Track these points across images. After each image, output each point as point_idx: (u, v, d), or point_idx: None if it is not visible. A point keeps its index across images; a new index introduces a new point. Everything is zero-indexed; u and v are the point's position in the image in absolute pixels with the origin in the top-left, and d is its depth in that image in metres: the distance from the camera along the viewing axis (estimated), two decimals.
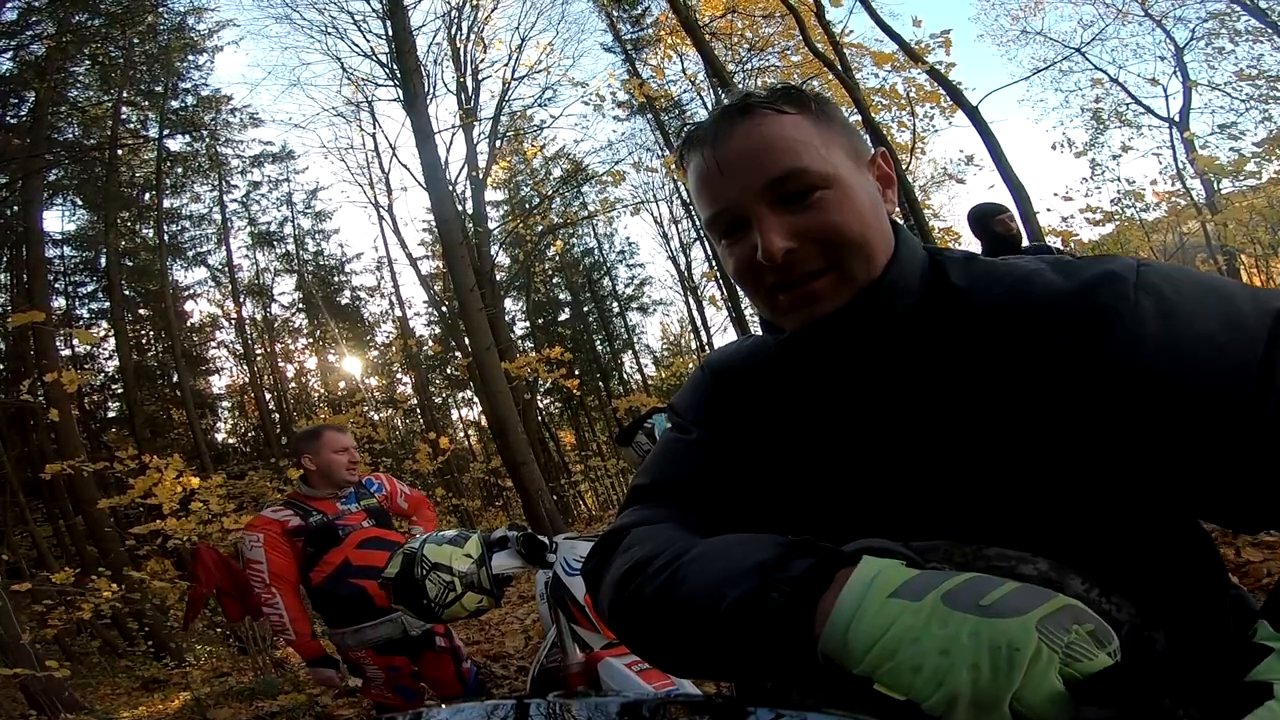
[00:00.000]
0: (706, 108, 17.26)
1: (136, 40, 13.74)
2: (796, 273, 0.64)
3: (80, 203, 15.23)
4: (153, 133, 15.02)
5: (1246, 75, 13.09)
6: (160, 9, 14.11)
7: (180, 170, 16.69)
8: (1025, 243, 4.73)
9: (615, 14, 17.73)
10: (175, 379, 16.04)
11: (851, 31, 11.12)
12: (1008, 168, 7.30)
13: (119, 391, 15.45)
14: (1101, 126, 14.92)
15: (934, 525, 0.60)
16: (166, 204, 16.24)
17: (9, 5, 11.17)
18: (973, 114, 7.43)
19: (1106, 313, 0.57)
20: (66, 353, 14.18)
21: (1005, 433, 0.60)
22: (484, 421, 15.90)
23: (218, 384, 18.46)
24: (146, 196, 15.56)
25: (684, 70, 15.89)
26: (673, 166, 11.32)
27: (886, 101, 9.55)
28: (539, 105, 15.87)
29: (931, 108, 9.67)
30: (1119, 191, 11.79)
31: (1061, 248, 6.77)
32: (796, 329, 0.67)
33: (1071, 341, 0.58)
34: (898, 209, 0.71)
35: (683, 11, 8.29)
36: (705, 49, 8.17)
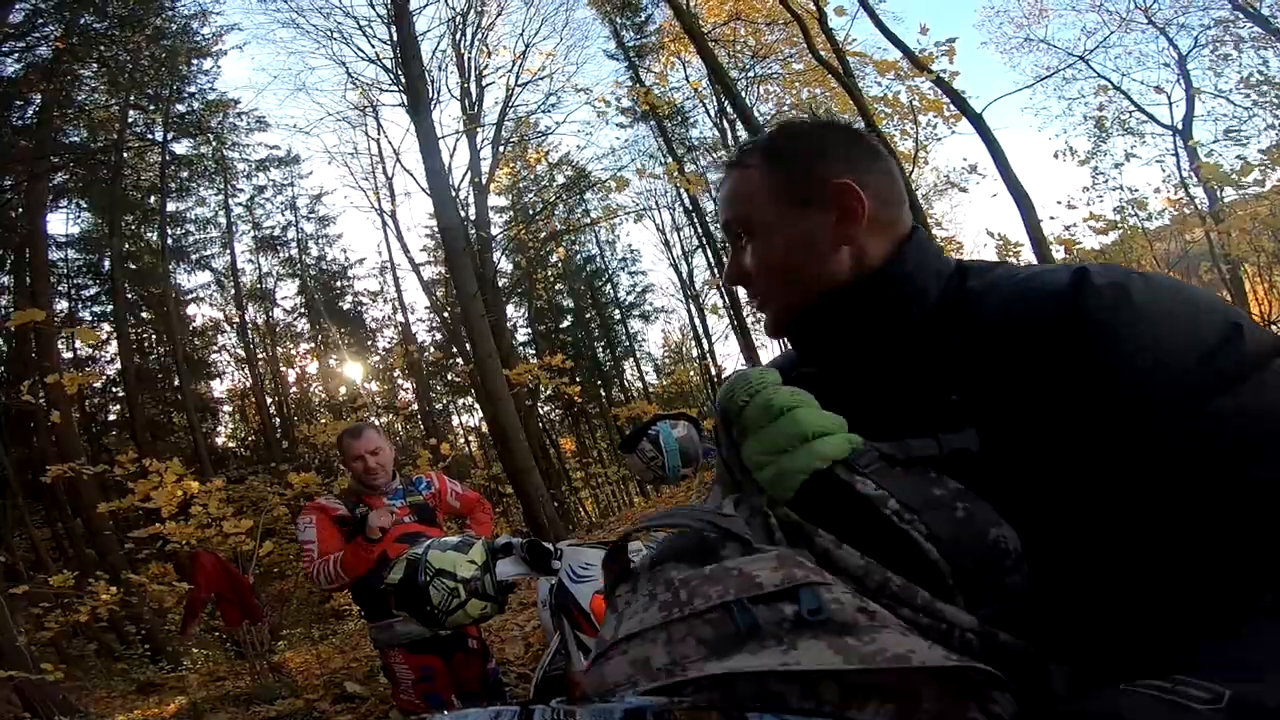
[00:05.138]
0: (709, 115, 17.33)
1: (143, 43, 13.79)
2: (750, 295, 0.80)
3: (85, 206, 15.28)
4: (158, 136, 15.08)
5: (1252, 83, 13.06)
6: (167, 12, 14.19)
7: (185, 174, 16.75)
8: (1028, 253, 4.71)
9: (619, 21, 17.83)
10: (176, 382, 16.04)
11: (855, 40, 11.14)
12: (1011, 176, 7.30)
13: (120, 395, 15.46)
14: (1104, 134, 14.90)
15: None
16: (171, 208, 16.32)
17: (16, 6, 11.21)
18: (977, 122, 7.43)
19: (1083, 316, 0.59)
20: (68, 355, 14.20)
21: (999, 438, 0.62)
22: (485, 428, 15.87)
23: (219, 388, 18.48)
24: (151, 200, 15.60)
25: (687, 78, 15.92)
26: (675, 174, 11.33)
27: (890, 110, 9.55)
28: (542, 111, 15.89)
29: (934, 116, 9.66)
30: (1122, 200, 11.74)
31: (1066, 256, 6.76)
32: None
33: (1054, 348, 0.60)
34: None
35: (686, 18, 8.31)
36: (708, 56, 8.16)
